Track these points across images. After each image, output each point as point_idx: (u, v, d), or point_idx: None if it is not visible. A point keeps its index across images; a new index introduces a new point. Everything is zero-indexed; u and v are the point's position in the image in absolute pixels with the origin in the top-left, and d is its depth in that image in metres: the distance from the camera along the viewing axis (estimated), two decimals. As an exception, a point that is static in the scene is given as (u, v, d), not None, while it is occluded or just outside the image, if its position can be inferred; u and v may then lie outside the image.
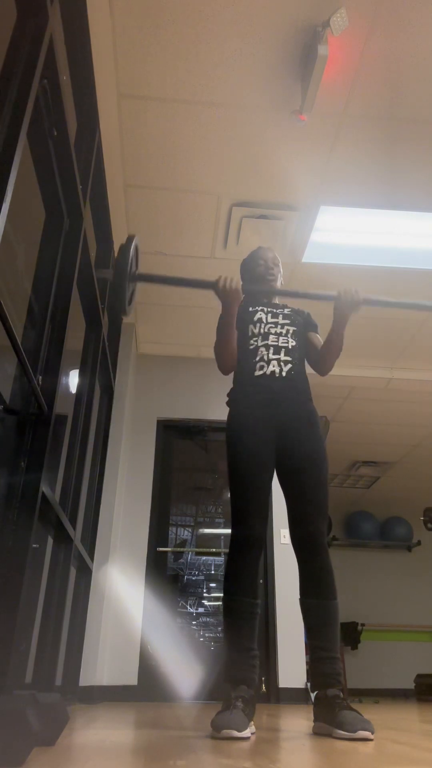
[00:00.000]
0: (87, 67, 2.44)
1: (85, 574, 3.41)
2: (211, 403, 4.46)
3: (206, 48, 2.43)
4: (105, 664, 3.51)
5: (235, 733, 1.49)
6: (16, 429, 1.92)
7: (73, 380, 3.04)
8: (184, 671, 3.66)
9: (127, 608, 3.71)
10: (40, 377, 2.07)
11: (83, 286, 2.92)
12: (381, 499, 7.81)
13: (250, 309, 2.14)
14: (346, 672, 5.68)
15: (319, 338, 2.17)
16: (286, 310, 2.17)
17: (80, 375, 3.17)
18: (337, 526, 8.06)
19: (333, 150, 2.91)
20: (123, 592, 3.71)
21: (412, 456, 6.41)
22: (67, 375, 2.85)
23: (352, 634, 7.28)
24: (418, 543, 8.01)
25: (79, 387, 3.14)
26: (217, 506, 4.78)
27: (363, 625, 7.39)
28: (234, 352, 2.03)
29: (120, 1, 2.27)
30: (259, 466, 1.90)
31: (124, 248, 1.92)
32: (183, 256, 3.69)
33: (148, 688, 3.58)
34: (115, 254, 2.00)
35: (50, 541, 2.57)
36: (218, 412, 4.36)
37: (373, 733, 1.48)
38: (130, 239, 1.97)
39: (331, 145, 2.89)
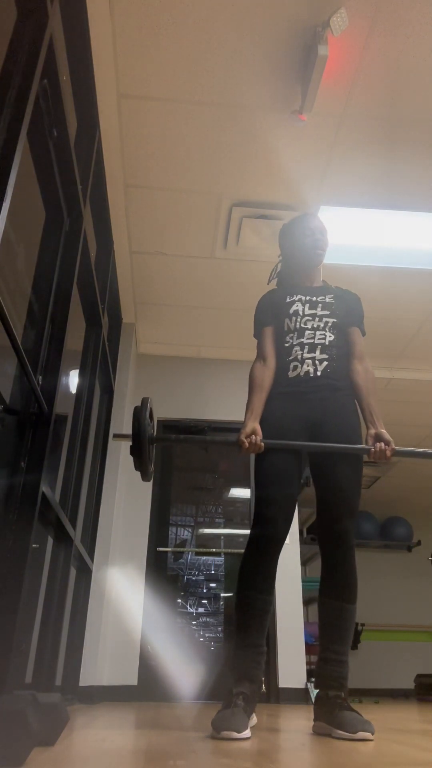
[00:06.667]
0: (87, 67, 2.44)
1: (85, 574, 3.41)
2: (211, 403, 4.46)
3: (206, 48, 2.43)
4: (105, 664, 3.50)
5: (235, 734, 1.49)
6: (16, 429, 1.92)
7: (73, 380, 3.04)
8: (184, 671, 3.65)
9: (127, 608, 3.71)
10: (40, 377, 2.07)
11: (83, 286, 2.92)
12: (381, 499, 7.80)
13: (287, 299, 2.07)
14: (346, 672, 5.67)
15: (359, 336, 2.11)
16: (327, 298, 2.07)
17: (80, 375, 3.17)
18: (337, 526, 8.04)
19: (333, 150, 2.91)
20: (123, 592, 3.71)
21: (412, 456, 6.40)
22: (67, 375, 2.84)
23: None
24: (418, 543, 8.00)
25: (79, 387, 3.14)
26: (217, 506, 4.77)
27: (363, 625, 7.38)
28: (271, 373, 2.02)
29: (120, 1, 2.27)
30: (289, 468, 1.86)
31: (140, 412, 1.86)
32: (183, 256, 3.69)
33: (148, 688, 3.58)
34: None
35: (50, 541, 2.57)
36: (218, 412, 4.38)
37: (373, 734, 1.48)
38: (144, 402, 1.90)
39: (331, 145, 2.89)
